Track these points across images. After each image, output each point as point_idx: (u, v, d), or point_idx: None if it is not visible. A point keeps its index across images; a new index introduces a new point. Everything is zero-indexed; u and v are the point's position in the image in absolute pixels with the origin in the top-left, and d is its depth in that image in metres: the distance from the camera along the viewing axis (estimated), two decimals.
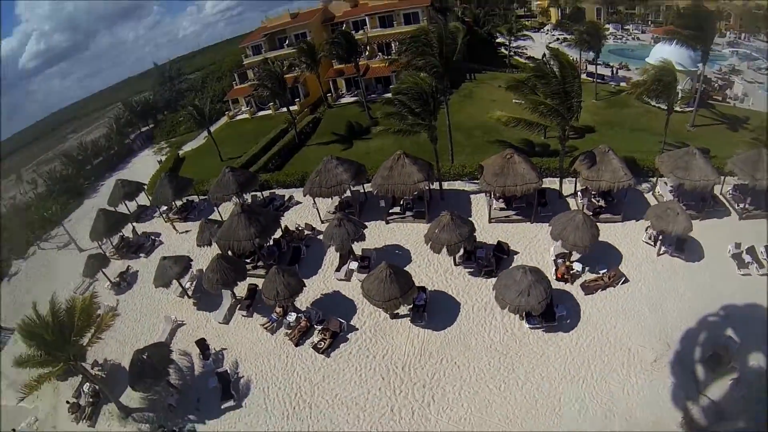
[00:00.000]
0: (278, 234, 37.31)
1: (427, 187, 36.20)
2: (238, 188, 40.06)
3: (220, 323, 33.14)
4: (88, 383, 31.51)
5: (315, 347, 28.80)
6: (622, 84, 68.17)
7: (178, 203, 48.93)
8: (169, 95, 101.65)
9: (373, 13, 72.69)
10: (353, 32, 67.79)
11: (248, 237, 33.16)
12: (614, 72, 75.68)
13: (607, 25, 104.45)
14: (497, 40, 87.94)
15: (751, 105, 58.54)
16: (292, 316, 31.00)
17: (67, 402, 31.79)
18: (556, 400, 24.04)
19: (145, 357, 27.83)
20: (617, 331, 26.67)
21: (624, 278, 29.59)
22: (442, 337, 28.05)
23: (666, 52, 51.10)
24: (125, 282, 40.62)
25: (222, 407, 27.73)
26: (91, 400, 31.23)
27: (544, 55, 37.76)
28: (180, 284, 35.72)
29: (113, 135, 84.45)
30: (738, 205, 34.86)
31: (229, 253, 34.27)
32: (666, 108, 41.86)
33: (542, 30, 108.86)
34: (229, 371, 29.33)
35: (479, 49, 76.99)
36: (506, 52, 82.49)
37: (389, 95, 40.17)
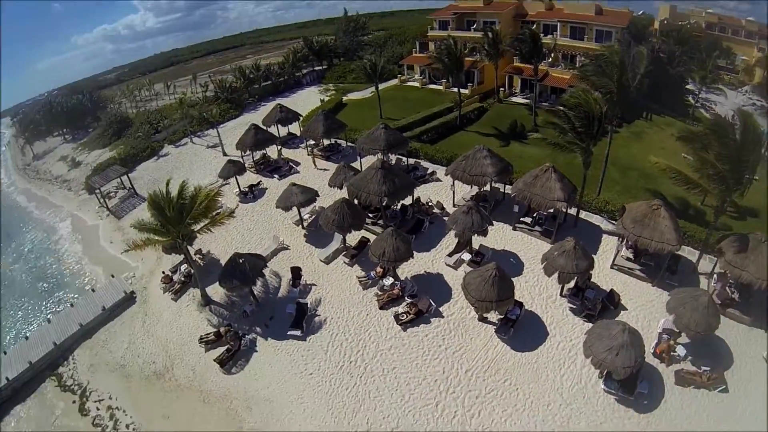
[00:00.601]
0: (408, 201, 37.95)
1: (564, 209, 35.02)
2: (386, 146, 41.10)
3: (321, 261, 34.69)
4: (186, 265, 34.77)
5: (396, 317, 29.15)
6: None
7: (326, 142, 51.40)
8: (350, 44, 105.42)
9: (567, 20, 70.17)
10: (542, 34, 66.10)
11: (378, 193, 34.01)
12: None
13: None
14: (687, 86, 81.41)
15: None
16: (388, 281, 31.54)
17: (163, 272, 35.45)
18: None
19: (241, 261, 29.90)
20: None
21: (724, 387, 26.23)
22: (517, 358, 27.11)
23: None
24: (252, 194, 43.77)
25: (288, 333, 29.24)
26: (183, 279, 34.79)
27: (733, 116, 34.29)
28: (299, 213, 37.69)
29: (287, 65, 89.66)
30: None
31: (355, 201, 35.43)
32: None
33: (740, 89, 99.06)
34: (309, 305, 30.74)
35: (664, 89, 71.95)
36: (692, 102, 76.39)
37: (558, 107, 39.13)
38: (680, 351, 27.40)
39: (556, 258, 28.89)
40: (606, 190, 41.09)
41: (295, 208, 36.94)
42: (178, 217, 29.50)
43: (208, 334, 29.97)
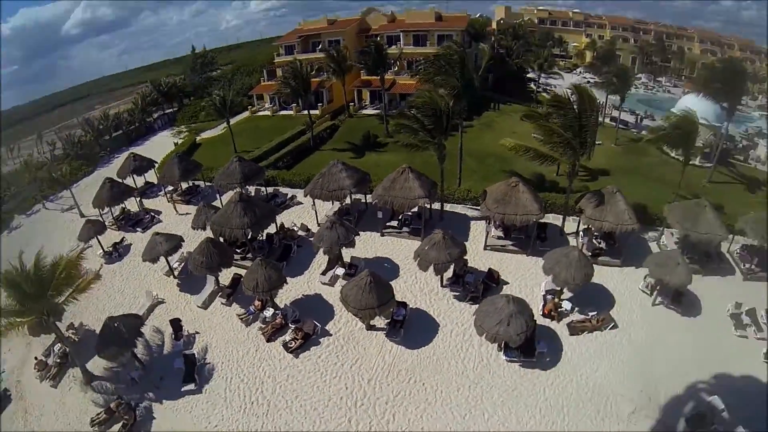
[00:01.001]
0: (273, 230, 37.66)
1: (427, 206, 36.37)
2: (243, 178, 40.65)
3: (198, 307, 33.38)
4: (59, 344, 31.80)
5: (285, 346, 28.78)
6: (644, 132, 67.83)
7: (184, 185, 49.77)
8: (199, 81, 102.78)
9: (408, 30, 73.97)
10: (386, 46, 68.55)
11: (241, 226, 33.48)
12: (638, 120, 75.78)
13: (639, 75, 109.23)
14: (528, 75, 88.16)
15: None
16: (269, 312, 31.01)
17: (36, 358, 32.19)
18: None
19: (116, 325, 28.00)
20: (597, 377, 26.22)
21: (613, 324, 29.16)
22: (415, 356, 27.81)
23: (692, 104, 50.59)
24: (117, 253, 41.19)
25: (182, 389, 27.65)
26: (58, 360, 31.44)
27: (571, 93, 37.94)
28: (168, 262, 36.17)
29: (137, 111, 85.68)
30: (744, 265, 34.50)
31: (221, 239, 34.59)
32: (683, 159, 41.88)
33: (574, 71, 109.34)
34: (196, 355, 29.39)
35: (508, 81, 77.74)
36: (534, 87, 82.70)
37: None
38: (566, 306, 30.15)
39: (428, 252, 30.04)
40: (466, 180, 43.54)
41: (162, 258, 35.31)
42: (38, 292, 26.87)
43: (98, 414, 27.37)
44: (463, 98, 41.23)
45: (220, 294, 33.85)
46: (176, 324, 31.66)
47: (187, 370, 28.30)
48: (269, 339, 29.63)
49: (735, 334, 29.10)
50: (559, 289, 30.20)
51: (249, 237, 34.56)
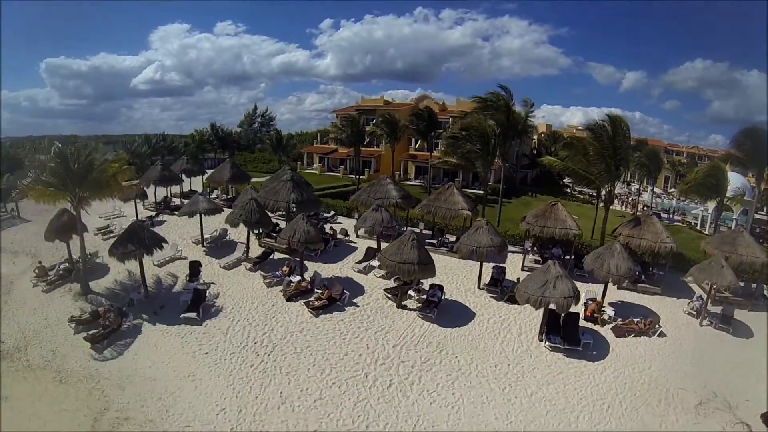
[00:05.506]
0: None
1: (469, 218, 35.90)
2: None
3: (221, 267, 29.97)
4: (66, 263, 29.04)
5: (307, 303, 25.03)
6: None
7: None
8: (253, 136, 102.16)
9: (457, 116, 74.23)
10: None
11: (287, 200, 32.12)
12: None
13: None
14: (564, 180, 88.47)
15: None
16: (296, 277, 27.48)
17: (39, 262, 28.97)
18: (573, 417, 19.32)
19: (141, 229, 25.55)
20: (652, 372, 22.03)
21: (661, 330, 25.07)
22: (447, 333, 24.00)
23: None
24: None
25: (182, 316, 23.83)
26: (60, 273, 28.18)
27: None
28: (201, 232, 33.45)
29: (192, 147, 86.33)
30: None
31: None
32: None
33: None
34: (207, 293, 25.77)
35: (545, 181, 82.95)
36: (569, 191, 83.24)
37: None
38: (610, 312, 26.59)
39: (473, 239, 28.30)
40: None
41: (197, 213, 32.27)
42: (81, 172, 24.41)
43: (83, 313, 23.52)
44: (507, 139, 43.68)
45: (245, 261, 30.45)
46: (195, 267, 28.42)
47: (193, 302, 24.56)
48: (290, 299, 25.79)
49: None
50: (599, 299, 27.31)
51: (293, 211, 32.26)
